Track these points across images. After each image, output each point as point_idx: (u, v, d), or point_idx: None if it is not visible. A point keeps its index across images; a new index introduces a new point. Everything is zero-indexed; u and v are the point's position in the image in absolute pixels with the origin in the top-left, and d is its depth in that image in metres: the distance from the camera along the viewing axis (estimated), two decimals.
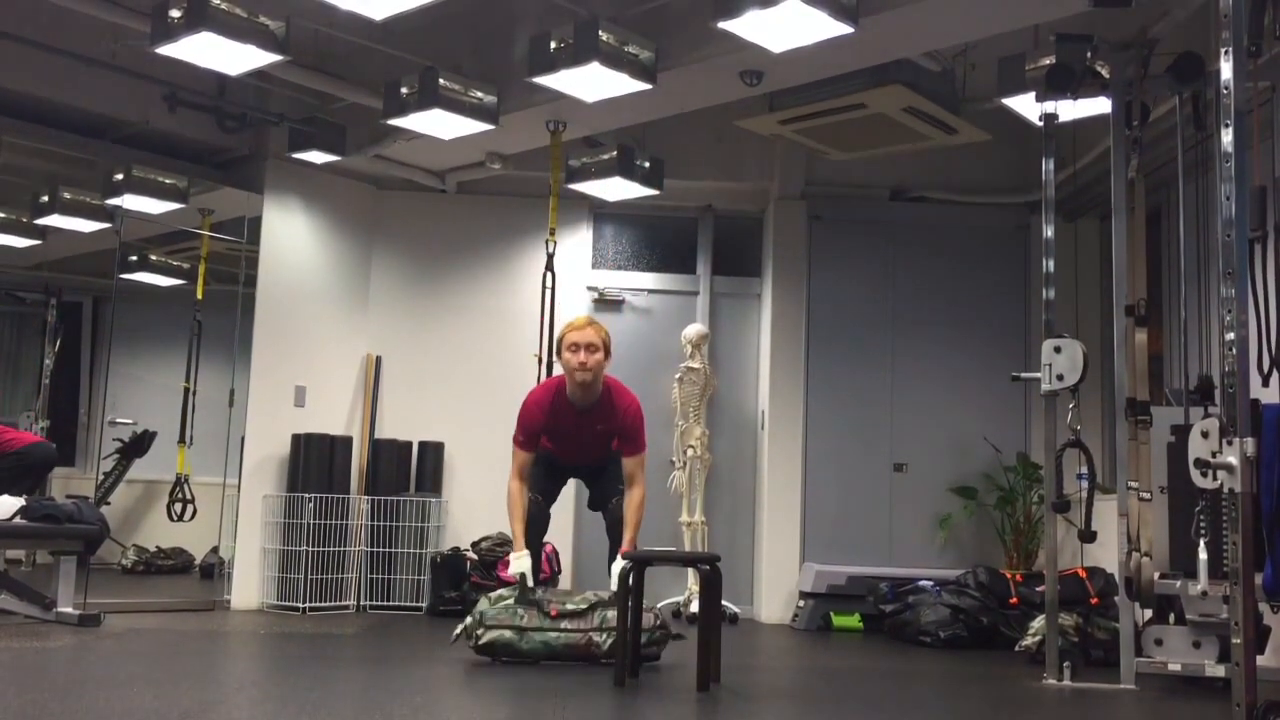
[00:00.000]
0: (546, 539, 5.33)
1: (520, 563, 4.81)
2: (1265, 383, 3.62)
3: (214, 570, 7.31)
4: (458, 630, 4.83)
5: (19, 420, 7.37)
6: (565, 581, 7.17)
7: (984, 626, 6.20)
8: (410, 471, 7.39)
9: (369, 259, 7.68)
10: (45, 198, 7.31)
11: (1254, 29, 3.48)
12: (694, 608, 6.79)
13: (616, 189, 6.91)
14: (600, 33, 5.19)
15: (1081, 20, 5.00)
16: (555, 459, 5.07)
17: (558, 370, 5.21)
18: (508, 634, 4.70)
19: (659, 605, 7.17)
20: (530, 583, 4.79)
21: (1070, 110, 5.03)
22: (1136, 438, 4.65)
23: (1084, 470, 4.64)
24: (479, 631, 4.73)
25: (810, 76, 5.86)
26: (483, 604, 4.81)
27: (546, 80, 5.49)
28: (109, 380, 7.36)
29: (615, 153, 6.68)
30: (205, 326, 7.92)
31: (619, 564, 4.60)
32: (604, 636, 4.68)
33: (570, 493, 5.05)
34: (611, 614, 4.62)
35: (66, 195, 7.28)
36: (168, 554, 8.39)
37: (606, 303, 7.79)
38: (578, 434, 4.97)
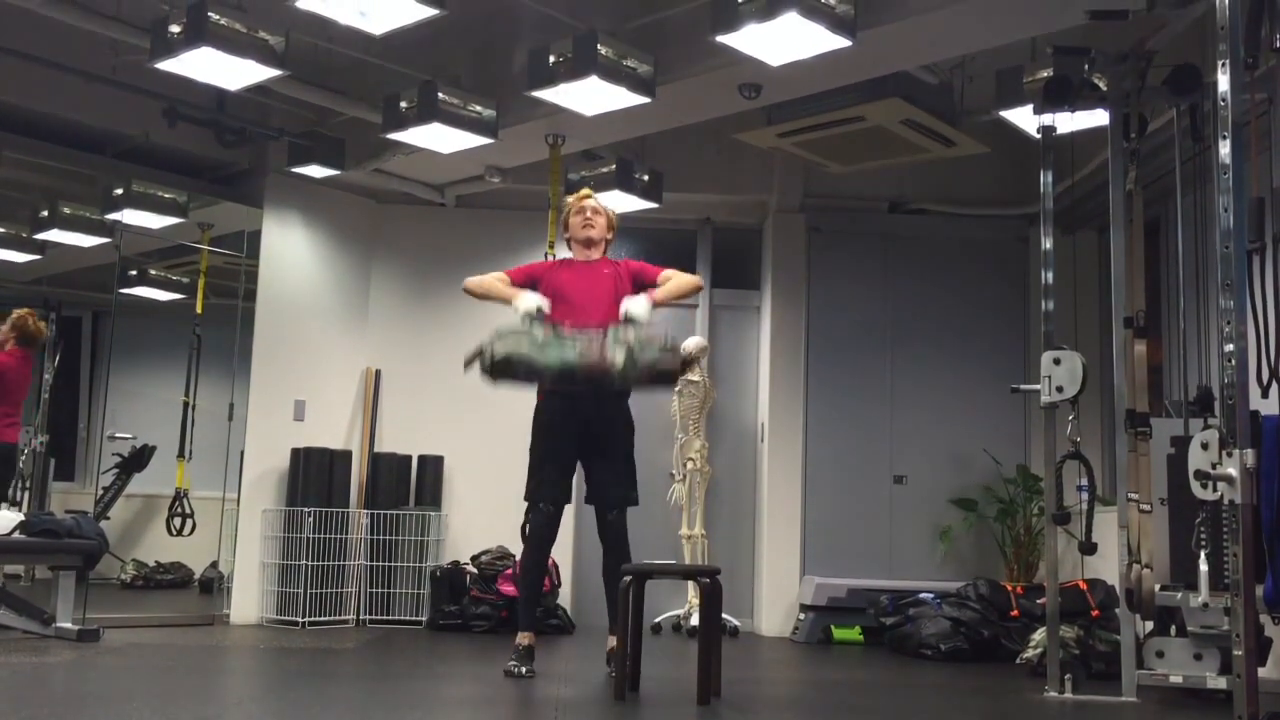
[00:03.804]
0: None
1: (528, 298, 4.83)
2: (1265, 394, 3.62)
3: (213, 585, 7.30)
4: (470, 355, 4.70)
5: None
6: (565, 594, 7.16)
7: (985, 639, 6.18)
8: (410, 485, 7.37)
9: (368, 273, 7.68)
10: (45, 212, 7.33)
11: (1251, 41, 3.49)
12: (694, 621, 6.78)
13: (615, 202, 6.88)
14: (599, 46, 5.21)
15: (1079, 33, 5.01)
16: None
17: None
18: (525, 347, 4.66)
19: (659, 619, 7.19)
20: (540, 314, 4.79)
21: (1068, 122, 5.03)
22: (1136, 449, 4.64)
23: (1084, 482, 4.64)
24: (495, 347, 4.65)
25: (809, 90, 5.88)
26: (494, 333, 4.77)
27: (545, 94, 5.51)
28: (108, 395, 7.36)
29: (614, 166, 6.70)
30: (204, 341, 7.94)
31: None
32: (618, 350, 4.62)
33: (570, 502, 4.99)
34: (628, 334, 4.66)
35: (66, 210, 7.29)
36: (167, 568, 8.39)
37: None
38: (582, 280, 4.94)
